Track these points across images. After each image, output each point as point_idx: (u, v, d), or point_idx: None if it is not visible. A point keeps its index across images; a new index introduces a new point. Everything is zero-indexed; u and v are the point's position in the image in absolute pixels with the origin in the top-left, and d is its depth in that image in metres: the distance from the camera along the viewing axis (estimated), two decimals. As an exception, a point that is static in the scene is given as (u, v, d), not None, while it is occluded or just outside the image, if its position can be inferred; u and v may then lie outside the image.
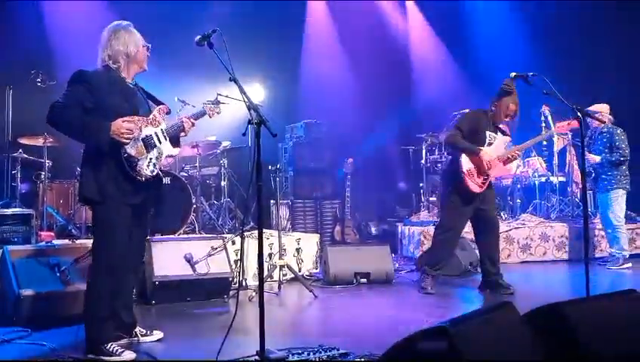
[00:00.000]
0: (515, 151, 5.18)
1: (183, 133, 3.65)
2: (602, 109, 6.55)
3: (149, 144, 3.39)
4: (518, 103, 5.07)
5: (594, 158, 6.46)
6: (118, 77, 3.40)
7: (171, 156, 3.79)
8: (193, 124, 3.68)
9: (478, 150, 4.96)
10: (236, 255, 5.43)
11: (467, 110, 6.79)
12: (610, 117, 6.58)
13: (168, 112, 3.64)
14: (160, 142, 3.47)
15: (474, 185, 4.99)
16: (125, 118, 3.26)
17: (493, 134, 5.11)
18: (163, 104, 3.63)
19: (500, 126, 5.19)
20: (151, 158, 3.39)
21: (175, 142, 3.64)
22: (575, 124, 5.12)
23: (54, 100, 3.23)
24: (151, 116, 3.47)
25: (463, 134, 5.03)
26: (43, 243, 4.69)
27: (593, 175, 6.59)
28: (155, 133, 3.46)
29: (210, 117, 3.88)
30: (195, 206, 6.36)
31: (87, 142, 3.33)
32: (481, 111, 5.21)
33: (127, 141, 3.26)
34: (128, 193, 3.31)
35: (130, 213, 3.35)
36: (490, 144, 5.05)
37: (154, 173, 3.40)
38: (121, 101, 3.34)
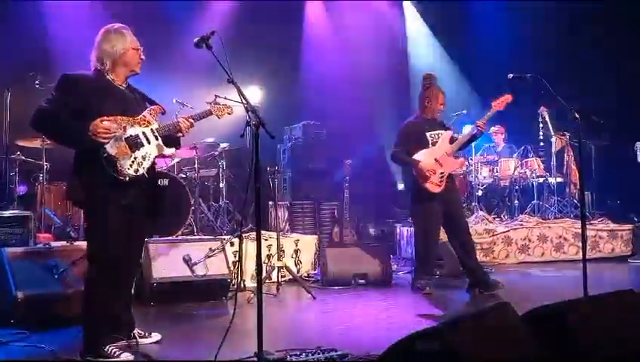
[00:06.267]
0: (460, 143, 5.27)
1: (180, 133, 3.59)
2: None
3: (134, 143, 3.32)
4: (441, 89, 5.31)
5: None
6: (107, 79, 3.37)
7: (165, 156, 3.74)
8: (192, 125, 3.61)
9: (416, 162, 5.10)
10: (235, 256, 5.43)
11: (464, 111, 6.80)
12: None
13: (163, 113, 3.59)
14: (149, 142, 3.41)
15: (432, 185, 5.14)
16: (105, 118, 3.19)
17: (435, 132, 5.25)
18: (157, 105, 3.61)
19: (439, 120, 5.34)
20: (136, 158, 3.31)
21: (174, 141, 3.61)
22: (509, 98, 5.05)
23: (39, 104, 3.19)
24: (139, 116, 3.42)
25: (404, 148, 5.23)
26: (41, 245, 4.68)
27: None
28: (143, 132, 3.39)
29: (219, 117, 3.82)
30: (193, 207, 6.35)
31: (71, 145, 3.29)
32: (411, 118, 5.39)
33: (105, 140, 3.19)
34: (116, 194, 3.26)
35: (122, 214, 3.31)
36: (434, 143, 5.21)
37: (138, 173, 3.31)
38: (108, 104, 3.28)
